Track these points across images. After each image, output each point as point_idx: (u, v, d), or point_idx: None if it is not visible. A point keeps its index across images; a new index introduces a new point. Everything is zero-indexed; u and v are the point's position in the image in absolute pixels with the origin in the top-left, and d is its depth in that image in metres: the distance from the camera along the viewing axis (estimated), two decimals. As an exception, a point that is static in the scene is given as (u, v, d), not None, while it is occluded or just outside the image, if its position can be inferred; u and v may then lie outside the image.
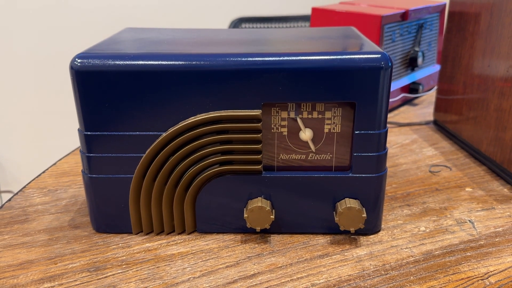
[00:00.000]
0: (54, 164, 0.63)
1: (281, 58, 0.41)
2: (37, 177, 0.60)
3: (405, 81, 0.83)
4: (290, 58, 0.41)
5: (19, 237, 0.47)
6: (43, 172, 0.61)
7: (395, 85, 0.81)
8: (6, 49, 1.58)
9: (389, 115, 0.81)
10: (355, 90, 0.41)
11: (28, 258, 0.44)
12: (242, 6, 1.77)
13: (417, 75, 0.86)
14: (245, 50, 0.43)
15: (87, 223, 0.49)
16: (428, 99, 0.89)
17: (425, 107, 0.84)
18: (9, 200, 0.54)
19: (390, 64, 0.41)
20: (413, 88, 0.84)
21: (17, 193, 0.56)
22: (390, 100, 0.79)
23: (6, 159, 1.73)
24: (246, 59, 0.41)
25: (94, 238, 0.47)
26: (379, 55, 0.41)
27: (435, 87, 0.74)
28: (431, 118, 0.78)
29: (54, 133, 1.69)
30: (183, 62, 0.41)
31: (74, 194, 0.55)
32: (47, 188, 0.57)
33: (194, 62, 0.41)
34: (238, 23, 1.50)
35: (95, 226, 0.47)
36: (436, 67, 0.91)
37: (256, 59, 0.41)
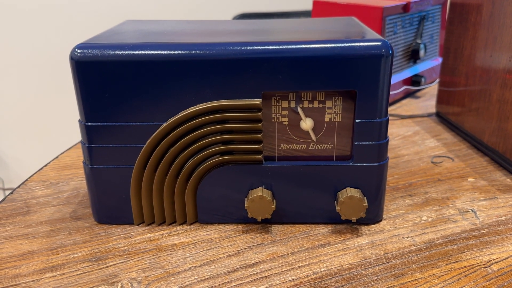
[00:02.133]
0: (56, 157, 0.63)
1: (281, 47, 0.41)
2: (39, 170, 0.60)
3: (407, 73, 0.83)
4: (290, 46, 0.41)
5: (21, 228, 0.47)
6: (45, 165, 0.61)
7: (397, 77, 0.81)
8: (6, 45, 1.59)
9: (391, 108, 0.80)
10: (355, 78, 0.41)
11: (30, 249, 0.44)
12: (244, 2, 1.77)
13: (419, 67, 0.86)
14: (245, 39, 0.43)
15: (88, 214, 0.49)
16: (431, 91, 0.88)
17: (427, 100, 0.84)
18: (11, 192, 0.54)
19: (390, 52, 0.41)
20: (415, 80, 0.83)
21: (19, 186, 0.56)
22: (392, 92, 0.79)
23: (10, 157, 1.74)
24: (246, 48, 0.41)
25: (96, 229, 0.47)
26: (380, 43, 0.40)
27: (438, 80, 0.74)
28: (433, 110, 0.78)
29: (57, 130, 1.70)
30: (183, 52, 0.41)
31: (76, 186, 0.55)
32: (49, 181, 0.57)
33: (194, 52, 0.41)
34: (239, 19, 1.49)
35: (96, 217, 0.48)
36: (439, 60, 0.91)
37: (256, 47, 0.41)
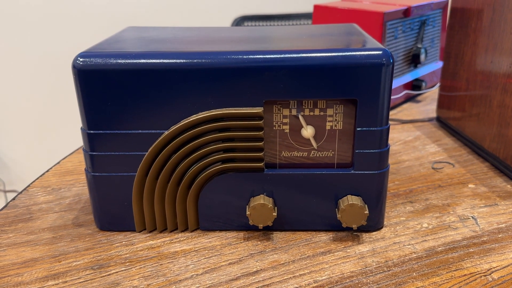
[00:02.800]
0: (58, 163, 0.64)
1: (282, 56, 0.41)
2: (41, 176, 0.60)
3: (408, 78, 0.83)
4: (292, 55, 0.41)
5: (24, 235, 0.47)
6: (47, 171, 0.61)
7: (398, 82, 0.81)
8: (9, 49, 1.59)
9: (392, 112, 0.81)
10: (356, 87, 0.41)
11: (32, 256, 0.44)
12: (245, 4, 1.77)
13: (420, 71, 0.86)
14: (247, 47, 0.43)
15: (90, 221, 0.49)
16: (431, 96, 0.88)
17: (428, 104, 0.84)
18: (14, 199, 0.54)
19: (391, 61, 0.41)
20: (416, 85, 0.84)
21: (21, 192, 0.56)
22: (393, 97, 0.79)
23: (11, 159, 1.74)
24: (247, 56, 0.41)
25: (98, 236, 0.47)
26: (381, 52, 0.41)
27: (438, 84, 0.74)
28: (434, 115, 0.78)
29: (58, 132, 1.70)
30: (184, 60, 0.41)
31: (78, 192, 0.55)
32: (51, 187, 0.57)
33: (195, 60, 0.41)
34: (240, 21, 1.50)
35: (98, 224, 0.48)
36: (439, 64, 0.91)
37: (258, 56, 0.41)
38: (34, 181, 0.59)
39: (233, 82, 0.41)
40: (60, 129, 1.69)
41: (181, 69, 0.41)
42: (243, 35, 0.50)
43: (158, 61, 0.41)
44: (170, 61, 0.41)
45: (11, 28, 1.57)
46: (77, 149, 0.68)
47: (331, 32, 0.51)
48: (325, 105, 0.43)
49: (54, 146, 1.67)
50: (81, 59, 0.41)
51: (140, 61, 0.41)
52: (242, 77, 0.41)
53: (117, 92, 0.42)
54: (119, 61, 0.41)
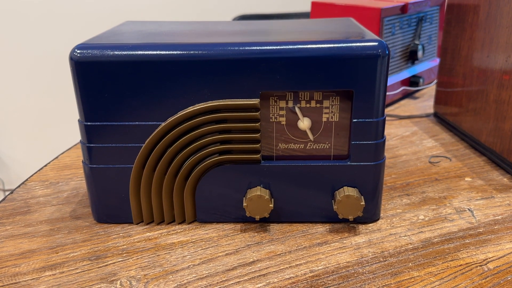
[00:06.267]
0: (56, 158, 0.64)
1: (278, 47, 0.41)
2: (39, 170, 0.60)
3: (405, 74, 0.83)
4: (288, 47, 0.41)
5: (21, 227, 0.47)
6: (45, 165, 0.61)
7: (396, 78, 0.81)
8: (6, 46, 1.59)
9: (389, 108, 0.81)
10: (352, 78, 0.41)
11: (30, 248, 0.44)
12: (243, 4, 1.77)
13: (418, 68, 0.86)
14: (243, 40, 0.43)
15: (88, 214, 0.49)
16: (429, 92, 0.89)
17: (425, 100, 0.84)
18: (11, 192, 0.55)
19: (387, 52, 0.41)
20: (413, 81, 0.84)
21: (19, 186, 0.56)
22: (391, 93, 0.79)
23: (10, 158, 1.74)
24: (244, 48, 0.41)
25: (95, 228, 0.47)
26: (376, 43, 0.41)
27: (436, 80, 0.74)
28: (431, 110, 0.78)
29: (58, 131, 1.70)
30: (181, 52, 0.41)
31: (76, 186, 0.56)
32: (49, 181, 0.57)
33: (192, 52, 0.41)
34: (239, 20, 1.50)
35: (96, 217, 0.48)
36: (437, 61, 0.91)
37: (254, 48, 0.41)
38: (32, 175, 0.59)
39: (229, 73, 0.42)
40: (60, 128, 1.69)
41: (177, 60, 0.41)
42: (240, 29, 0.51)
43: (155, 52, 0.41)
44: (167, 52, 0.41)
45: (7, 24, 1.57)
46: (76, 144, 0.68)
47: (328, 25, 0.52)
48: (321, 97, 0.43)
49: (54, 145, 1.67)
50: (78, 51, 0.41)
51: (137, 52, 0.41)
52: (239, 69, 0.41)
53: (114, 84, 0.42)
54: (116, 52, 0.41)
